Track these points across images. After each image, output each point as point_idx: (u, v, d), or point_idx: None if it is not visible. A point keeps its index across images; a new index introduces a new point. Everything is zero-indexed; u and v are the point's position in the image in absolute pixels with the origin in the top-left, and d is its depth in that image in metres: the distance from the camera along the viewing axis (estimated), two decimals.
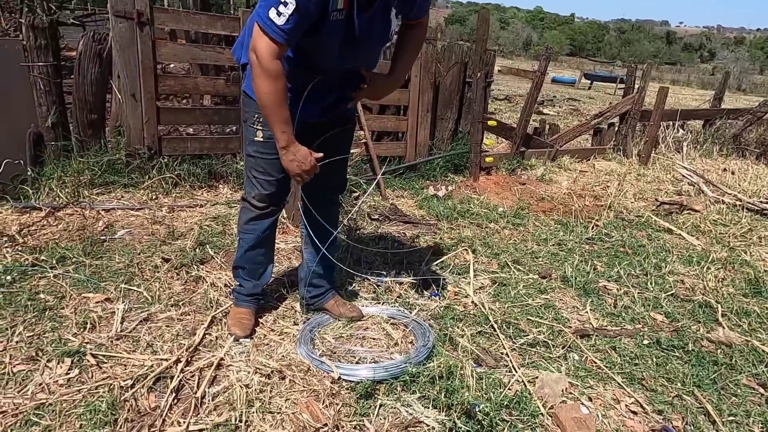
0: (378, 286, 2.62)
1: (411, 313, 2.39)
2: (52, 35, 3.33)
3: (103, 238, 2.84)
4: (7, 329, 1.98)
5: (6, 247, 2.58)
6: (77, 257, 2.56)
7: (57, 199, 3.20)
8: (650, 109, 5.79)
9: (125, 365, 1.86)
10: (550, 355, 2.21)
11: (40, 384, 1.73)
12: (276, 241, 3.03)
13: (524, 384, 1.98)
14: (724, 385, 2.11)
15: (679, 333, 2.48)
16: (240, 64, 1.96)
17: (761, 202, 4.25)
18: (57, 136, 3.44)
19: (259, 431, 1.64)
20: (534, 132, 5.70)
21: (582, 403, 1.93)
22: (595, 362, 2.19)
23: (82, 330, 2.03)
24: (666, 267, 3.18)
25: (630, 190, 4.68)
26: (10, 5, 7.81)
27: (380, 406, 1.79)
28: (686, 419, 1.90)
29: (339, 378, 1.88)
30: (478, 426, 1.71)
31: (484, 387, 1.91)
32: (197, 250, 2.78)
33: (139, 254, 2.68)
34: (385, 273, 2.75)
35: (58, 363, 1.83)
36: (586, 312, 2.61)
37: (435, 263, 2.94)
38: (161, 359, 1.89)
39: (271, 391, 1.81)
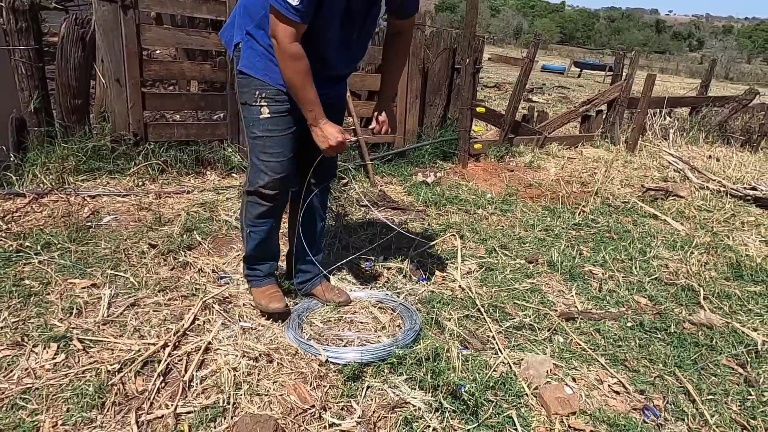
0: (366, 271, 2.63)
1: (399, 297, 2.40)
2: (33, 18, 3.26)
3: (89, 224, 2.81)
4: None
5: None
6: (62, 243, 2.54)
7: (41, 185, 3.16)
8: (638, 96, 5.83)
9: (112, 350, 1.86)
10: (536, 338, 2.24)
11: (26, 369, 1.73)
12: None
13: (510, 366, 2.01)
14: (704, 365, 2.16)
15: (661, 316, 2.53)
16: (234, 44, 1.92)
17: (744, 188, 4.32)
18: (40, 122, 3.39)
19: (247, 413, 1.65)
20: (523, 119, 5.71)
21: (566, 384, 1.96)
22: (580, 344, 2.23)
23: (68, 315, 2.02)
24: (650, 252, 3.23)
25: (617, 177, 4.73)
26: None
27: (367, 387, 1.81)
28: (667, 398, 1.94)
29: (326, 361, 1.89)
30: (464, 406, 1.73)
31: (470, 369, 1.94)
32: (184, 236, 2.76)
33: (126, 240, 2.67)
34: (373, 258, 2.77)
35: (44, 348, 1.82)
36: (572, 296, 2.65)
37: (423, 249, 2.96)
38: (148, 344, 1.90)
39: (258, 374, 1.82)
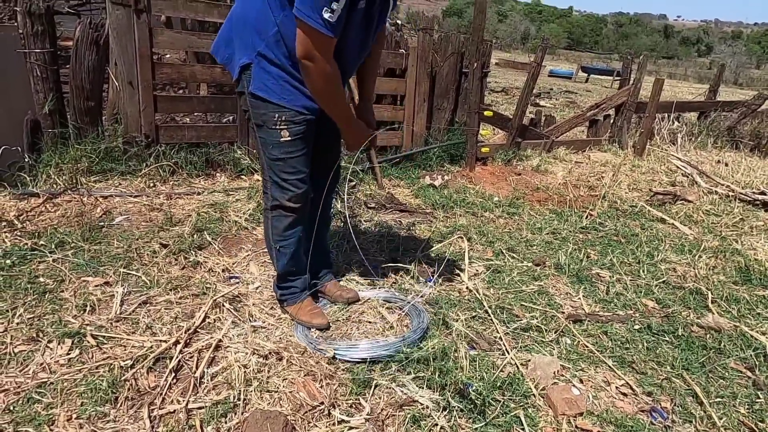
0: (374, 271, 2.65)
1: (406, 297, 2.42)
2: (48, 21, 3.32)
3: (102, 224, 2.86)
4: (7, 311, 2.01)
5: (5, 232, 2.60)
6: (76, 242, 2.58)
7: (55, 185, 3.21)
8: (646, 101, 5.82)
9: (125, 346, 1.89)
10: (543, 339, 2.25)
11: (41, 364, 1.76)
12: None
13: (517, 366, 2.02)
14: (712, 368, 2.16)
15: (669, 318, 2.53)
16: (240, 65, 1.81)
17: (753, 192, 4.30)
18: (54, 123, 3.44)
19: (257, 409, 1.67)
20: (530, 123, 5.72)
21: (573, 385, 1.97)
22: (587, 346, 2.23)
23: (81, 312, 2.06)
24: (658, 255, 3.23)
25: (624, 181, 4.73)
26: None
27: (376, 385, 1.82)
28: (675, 401, 1.94)
29: (334, 357, 1.91)
30: (471, 405, 1.75)
31: (478, 368, 1.95)
32: (195, 236, 2.80)
33: (138, 240, 2.71)
34: (381, 259, 2.79)
35: (58, 344, 1.86)
36: (579, 298, 2.66)
37: (430, 250, 2.98)
38: (160, 340, 1.93)
39: (268, 371, 1.84)
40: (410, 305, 2.30)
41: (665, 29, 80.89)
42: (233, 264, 2.61)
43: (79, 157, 3.40)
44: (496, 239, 3.27)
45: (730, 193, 4.40)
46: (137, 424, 1.57)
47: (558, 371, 2.03)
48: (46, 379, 1.69)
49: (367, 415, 1.70)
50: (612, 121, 6.02)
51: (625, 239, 3.47)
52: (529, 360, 2.07)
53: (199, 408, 1.65)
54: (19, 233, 2.61)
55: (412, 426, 1.68)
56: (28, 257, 2.40)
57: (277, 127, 1.85)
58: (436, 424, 1.68)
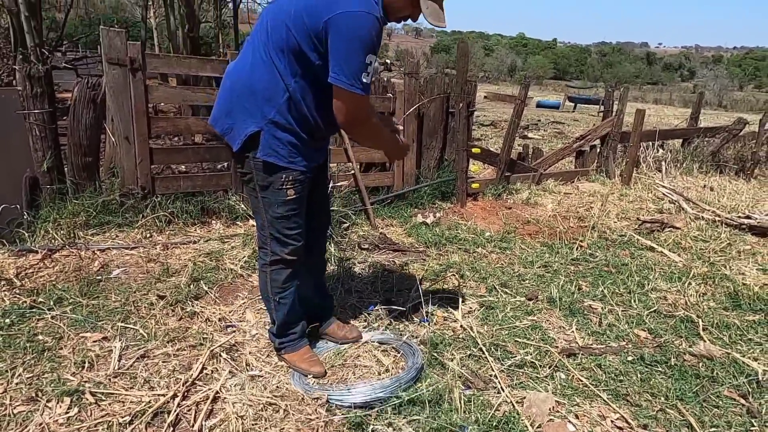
0: (368, 314, 2.69)
1: (401, 338, 2.45)
2: (47, 83, 3.45)
3: (99, 278, 2.90)
4: (7, 371, 2.03)
5: (4, 291, 2.64)
6: (74, 298, 2.62)
7: (53, 241, 3.27)
8: (630, 130, 5.98)
9: (123, 402, 1.91)
10: (538, 375, 2.27)
11: (41, 424, 1.78)
12: None
13: (512, 404, 2.04)
14: (706, 397, 2.18)
15: (662, 348, 2.57)
16: (247, 134, 1.84)
17: (739, 217, 4.39)
18: (52, 180, 3.53)
19: None
20: (518, 157, 5.86)
21: (569, 421, 1.99)
22: (581, 380, 2.26)
23: (80, 369, 2.08)
24: (649, 284, 3.28)
25: (613, 211, 4.82)
26: (2, 51, 8.00)
27: (372, 431, 1.84)
28: None
29: (327, 402, 1.94)
30: None
31: (473, 409, 1.97)
32: (191, 286, 2.84)
33: (135, 292, 2.75)
34: (375, 301, 2.83)
35: (57, 402, 1.88)
36: (572, 331, 2.69)
37: (424, 289, 3.02)
38: (158, 395, 1.95)
39: (266, 422, 1.86)
40: (405, 345, 2.33)
41: (648, 56, 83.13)
42: (230, 312, 2.65)
43: (77, 211, 3.47)
44: (489, 275, 3.32)
45: (717, 218, 4.49)
46: None
47: (553, 407, 2.06)
48: None
49: None
50: (598, 151, 6.16)
51: (616, 269, 3.53)
52: (524, 397, 2.09)
53: None
54: (18, 291, 2.65)
55: None
56: (27, 315, 2.44)
57: (284, 187, 1.92)
58: None
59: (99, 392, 1.95)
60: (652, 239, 4.13)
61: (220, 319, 2.56)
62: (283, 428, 1.84)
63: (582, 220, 4.55)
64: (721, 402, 2.16)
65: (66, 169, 3.63)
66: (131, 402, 1.91)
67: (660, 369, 2.38)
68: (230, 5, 12.39)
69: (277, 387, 2.07)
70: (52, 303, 2.55)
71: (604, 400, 2.13)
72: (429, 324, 2.64)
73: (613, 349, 2.54)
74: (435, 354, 2.34)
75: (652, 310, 2.95)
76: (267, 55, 1.81)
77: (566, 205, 4.96)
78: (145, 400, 1.91)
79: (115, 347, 2.22)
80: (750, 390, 2.24)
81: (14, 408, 1.84)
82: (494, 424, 1.90)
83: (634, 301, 3.05)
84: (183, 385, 2.00)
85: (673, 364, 2.41)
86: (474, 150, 4.86)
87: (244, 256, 3.26)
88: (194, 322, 2.52)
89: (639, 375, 2.32)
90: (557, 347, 2.52)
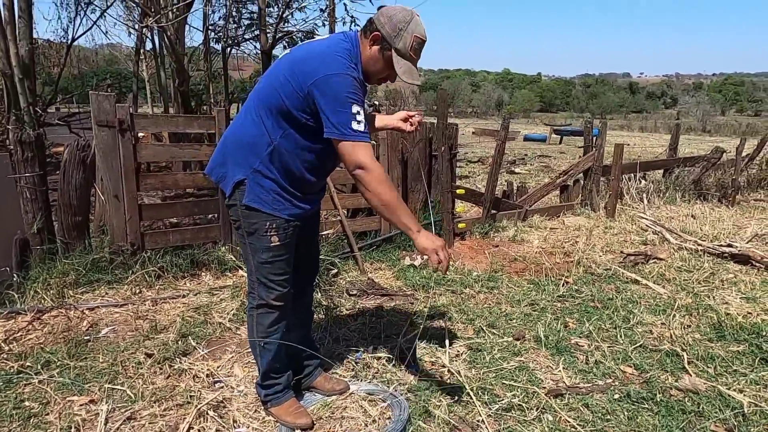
0: (356, 363, 2.71)
1: (389, 387, 2.47)
2: (38, 146, 3.56)
3: (87, 337, 2.91)
4: None
5: None
6: (62, 360, 2.63)
7: (42, 301, 3.29)
8: (611, 164, 6.13)
9: None
10: (525, 418, 2.28)
11: None
12: None
13: None
14: None
15: (648, 384, 2.59)
16: (235, 182, 1.98)
17: (720, 246, 4.47)
18: (42, 240, 3.58)
19: None
20: (503, 194, 5.97)
21: None
22: (569, 421, 2.27)
23: None
24: (634, 318, 3.32)
25: (598, 244, 4.89)
26: None
27: None
28: None
29: None
30: None
31: None
32: (180, 342, 2.86)
33: (123, 351, 2.76)
34: (362, 349, 2.85)
35: None
36: (559, 370, 2.71)
37: (412, 334, 3.04)
38: None
39: None
40: (391, 396, 2.35)
41: (630, 86, 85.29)
42: (218, 368, 2.66)
43: (67, 271, 3.51)
44: (477, 316, 3.36)
45: (699, 248, 4.57)
46: None
47: None
48: None
49: None
50: (582, 185, 6.30)
51: (602, 304, 3.57)
52: None
53: None
54: (5, 356, 2.66)
55: None
56: (14, 381, 2.44)
57: (268, 233, 2.01)
58: None
59: None
60: (637, 272, 4.19)
61: (207, 375, 2.56)
62: None
63: (568, 255, 4.61)
64: None
65: (56, 228, 3.69)
66: None
67: (646, 406, 2.40)
68: (220, 56, 12.76)
69: None
70: (39, 367, 2.55)
71: None
72: (417, 370, 2.65)
73: (600, 387, 2.56)
74: (422, 402, 2.35)
75: (637, 344, 2.98)
76: (257, 114, 1.99)
77: (552, 240, 5.04)
78: None
79: (102, 410, 2.22)
80: (736, 423, 2.25)
81: None
82: None
83: (620, 336, 3.08)
84: None
85: (659, 400, 2.43)
86: (458, 191, 4.97)
87: (233, 309, 3.29)
88: (182, 379, 2.53)
89: (626, 413, 2.34)
90: (544, 388, 2.53)
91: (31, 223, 3.52)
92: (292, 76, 1.90)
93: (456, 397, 2.43)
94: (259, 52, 9.97)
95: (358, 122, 1.84)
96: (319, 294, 3.42)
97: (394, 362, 2.72)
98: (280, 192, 1.99)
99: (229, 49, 12.09)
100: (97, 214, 3.85)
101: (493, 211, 5.35)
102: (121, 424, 2.16)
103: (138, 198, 3.74)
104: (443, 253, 1.91)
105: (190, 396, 2.37)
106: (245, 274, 3.34)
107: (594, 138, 6.59)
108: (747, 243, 4.54)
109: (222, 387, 2.47)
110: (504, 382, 2.58)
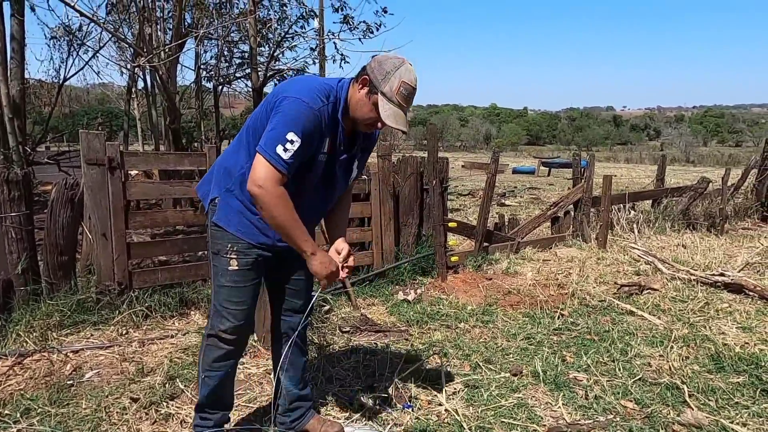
0: (350, 403, 2.62)
1: (385, 429, 2.38)
2: (25, 185, 3.51)
3: (70, 382, 2.80)
4: None
5: None
6: (42, 407, 2.52)
7: (24, 345, 3.18)
8: (601, 195, 6.19)
9: None
10: None
11: None
12: (248, 365, 3.06)
13: None
14: None
15: (650, 419, 2.52)
16: (210, 198, 2.05)
17: (713, 275, 4.47)
18: (27, 281, 3.49)
19: None
20: (495, 227, 5.98)
21: None
22: None
23: None
24: (632, 351, 3.27)
25: (591, 275, 4.88)
26: None
27: None
28: None
29: None
30: None
31: None
32: (167, 385, 2.76)
33: (107, 396, 2.65)
34: (357, 388, 2.77)
35: None
36: (559, 407, 2.64)
37: (407, 372, 2.97)
38: None
39: None
40: None
41: (614, 119, 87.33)
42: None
43: (51, 312, 3.41)
44: (472, 351, 3.29)
45: (692, 277, 4.57)
46: None
47: None
48: None
49: None
50: (573, 216, 6.33)
51: (599, 337, 3.52)
52: None
53: None
54: None
55: None
56: None
57: (228, 255, 2.00)
58: None
59: None
60: (632, 303, 4.17)
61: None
62: None
63: (562, 287, 4.58)
64: None
65: (41, 269, 3.60)
66: None
67: None
68: (212, 94, 12.92)
69: None
70: (18, 415, 2.44)
71: None
72: (413, 410, 2.57)
73: (601, 423, 2.49)
74: None
75: (637, 378, 2.93)
76: (240, 144, 2.05)
77: (545, 272, 5.02)
78: None
79: None
80: None
81: None
82: None
83: (619, 369, 3.03)
84: None
85: None
86: (450, 224, 4.96)
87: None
88: (168, 425, 2.43)
89: None
90: (545, 425, 2.46)
91: (15, 264, 3.44)
92: (268, 105, 1.95)
93: None
94: (251, 89, 10.12)
95: (285, 150, 1.81)
96: (311, 331, 3.34)
97: (389, 401, 2.64)
98: (246, 214, 1.98)
99: (220, 87, 12.25)
100: (84, 253, 3.78)
101: (486, 244, 5.34)
102: None
103: (126, 236, 3.69)
104: (333, 278, 2.02)
105: None
106: None
107: (582, 169, 6.68)
108: (739, 272, 4.55)
109: None
110: (503, 420, 2.50)
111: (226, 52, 11.39)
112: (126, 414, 2.49)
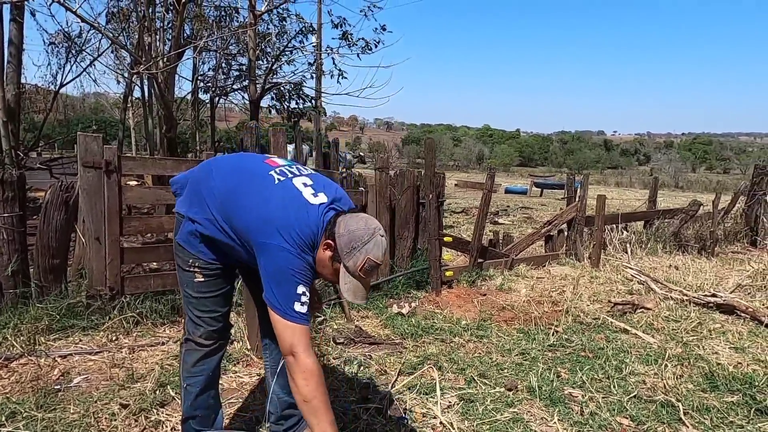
0: (344, 415, 2.58)
1: None
2: (19, 187, 3.47)
3: (58, 387, 2.74)
4: None
5: None
6: (29, 411, 2.45)
7: (11, 348, 3.11)
8: (594, 214, 6.24)
9: None
10: None
11: None
12: (240, 374, 3.02)
13: None
14: None
15: None
16: (182, 212, 1.99)
17: (705, 296, 4.50)
18: (17, 283, 3.43)
19: None
20: (489, 243, 5.99)
21: None
22: None
23: None
24: (626, 368, 3.27)
25: (585, 293, 4.89)
26: None
27: None
28: None
29: None
30: None
31: None
32: (157, 392, 2.70)
33: (96, 402, 2.59)
34: (351, 399, 2.73)
35: None
36: (554, 422, 2.62)
37: (401, 384, 2.94)
38: None
39: None
40: None
41: (605, 143, 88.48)
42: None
43: (40, 316, 3.34)
44: (467, 365, 3.27)
45: (685, 298, 4.59)
46: None
47: None
48: None
49: None
50: (566, 235, 6.37)
51: (593, 354, 3.52)
52: None
53: None
54: None
55: None
56: None
57: (191, 269, 1.99)
58: None
59: None
60: (625, 321, 4.18)
61: None
62: None
63: (556, 304, 4.59)
64: None
65: (32, 271, 3.55)
66: None
67: None
68: (208, 105, 12.95)
69: None
70: (3, 419, 2.37)
71: None
72: (407, 422, 2.54)
73: None
74: None
75: (632, 395, 2.92)
76: (212, 177, 1.95)
77: (539, 289, 5.02)
78: None
79: None
80: None
81: None
82: None
83: (614, 386, 3.02)
84: None
85: None
86: (446, 239, 4.97)
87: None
88: None
89: None
90: None
91: (5, 266, 3.38)
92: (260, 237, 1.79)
93: None
94: (247, 101, 10.16)
95: (303, 304, 1.72)
96: None
97: (384, 413, 2.60)
98: (207, 244, 1.96)
99: (217, 98, 12.29)
100: (76, 258, 3.73)
101: (480, 260, 5.35)
102: None
103: (120, 241, 3.64)
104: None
105: None
106: None
107: (576, 190, 6.74)
108: (731, 293, 4.58)
109: None
110: None
111: (224, 65, 11.45)
112: (115, 420, 2.43)
